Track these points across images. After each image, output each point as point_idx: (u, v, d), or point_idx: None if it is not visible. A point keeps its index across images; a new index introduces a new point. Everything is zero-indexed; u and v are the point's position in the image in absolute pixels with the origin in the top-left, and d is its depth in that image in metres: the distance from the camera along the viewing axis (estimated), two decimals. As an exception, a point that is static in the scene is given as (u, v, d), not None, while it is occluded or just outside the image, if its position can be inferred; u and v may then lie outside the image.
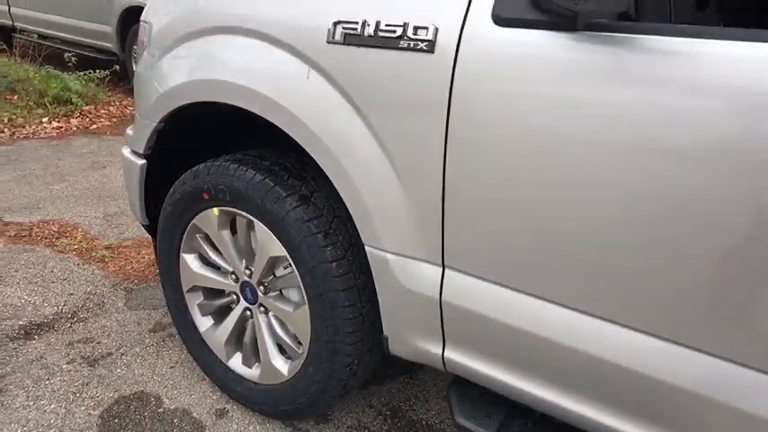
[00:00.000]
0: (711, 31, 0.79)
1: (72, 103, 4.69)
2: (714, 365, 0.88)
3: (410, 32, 1.02)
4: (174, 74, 1.46)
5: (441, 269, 1.13)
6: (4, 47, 6.32)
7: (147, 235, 2.07)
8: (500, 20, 0.94)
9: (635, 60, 0.84)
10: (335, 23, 1.12)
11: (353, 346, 1.32)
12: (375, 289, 1.23)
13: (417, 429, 1.63)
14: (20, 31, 6.65)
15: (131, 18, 5.29)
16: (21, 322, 2.00)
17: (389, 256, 1.17)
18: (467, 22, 0.97)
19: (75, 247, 2.55)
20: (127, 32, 5.39)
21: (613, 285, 0.94)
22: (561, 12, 0.84)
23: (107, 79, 5.13)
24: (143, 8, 5.03)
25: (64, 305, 2.11)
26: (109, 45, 5.59)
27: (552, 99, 0.91)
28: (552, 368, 1.06)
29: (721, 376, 0.87)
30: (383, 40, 1.05)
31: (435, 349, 1.20)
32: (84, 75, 4.90)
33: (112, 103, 5.11)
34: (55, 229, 2.71)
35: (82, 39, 5.83)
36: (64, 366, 1.79)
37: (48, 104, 4.64)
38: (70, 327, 1.99)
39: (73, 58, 5.23)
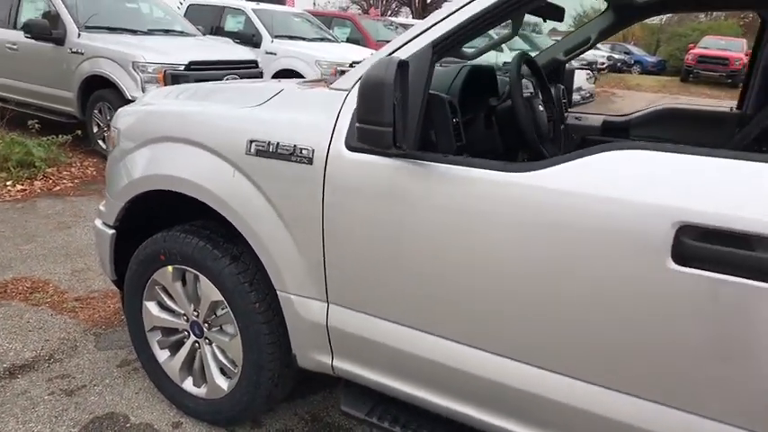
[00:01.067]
0: (459, 160, 1.37)
1: (35, 167, 5.08)
2: (499, 362, 1.43)
3: (297, 151, 1.58)
4: (137, 168, 1.98)
5: (326, 304, 1.66)
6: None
7: (112, 287, 2.52)
8: (349, 146, 1.51)
9: (422, 175, 1.42)
10: (251, 141, 1.67)
11: (273, 363, 1.83)
12: (285, 320, 1.75)
13: (331, 429, 2.12)
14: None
15: (91, 85, 5.79)
16: (5, 365, 2.41)
17: (292, 296, 1.70)
18: (331, 146, 1.54)
19: (48, 300, 2.97)
20: (87, 98, 5.87)
21: (429, 309, 1.49)
22: (379, 147, 1.41)
23: (68, 142, 5.53)
24: (102, 77, 5.51)
25: (42, 349, 2.53)
26: (70, 109, 6.04)
27: (377, 192, 1.47)
28: (404, 369, 1.59)
29: (509, 371, 1.41)
30: (280, 155, 1.61)
31: (327, 360, 1.72)
32: (47, 140, 5.30)
33: (74, 165, 5.51)
34: (28, 286, 3.12)
35: (44, 103, 6.26)
36: (46, 397, 2.21)
37: (11, 168, 5.01)
38: (48, 366, 2.41)
39: (36, 125, 5.63)
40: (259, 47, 7.94)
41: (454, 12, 1.43)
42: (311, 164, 1.57)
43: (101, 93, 5.72)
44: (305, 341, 1.74)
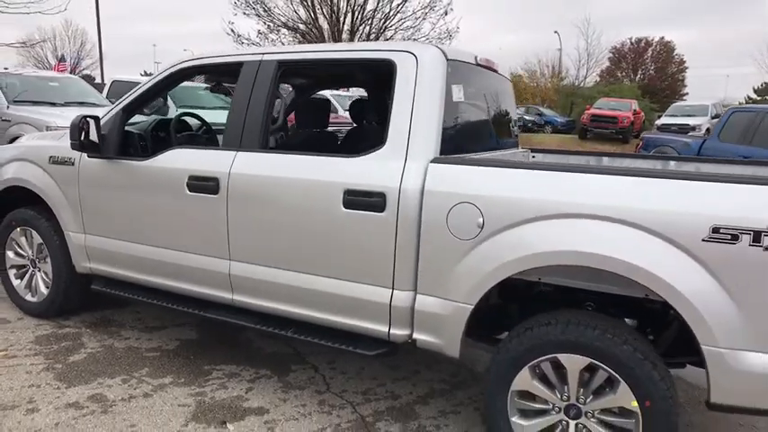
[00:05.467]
0: (126, 157, 3.18)
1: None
2: (158, 250, 3.17)
3: (67, 160, 3.37)
4: (2, 176, 3.72)
5: (84, 234, 3.40)
6: None
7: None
8: (87, 155, 3.30)
9: (111, 164, 3.21)
10: (50, 156, 3.45)
11: (66, 271, 3.54)
12: (68, 245, 3.47)
13: (110, 323, 3.79)
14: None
15: (17, 145, 7.51)
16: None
17: (70, 233, 3.44)
18: (81, 156, 3.32)
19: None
20: (13, 155, 7.57)
21: (124, 228, 3.24)
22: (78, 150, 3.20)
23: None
24: (24, 139, 7.19)
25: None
26: None
27: (94, 175, 3.26)
28: (121, 262, 3.32)
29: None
30: (62, 162, 3.39)
31: (87, 264, 3.44)
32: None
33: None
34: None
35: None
36: (-53, 313, 3.84)
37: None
38: (-48, 302, 4.03)
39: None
40: (167, 114, 9.82)
41: (133, 92, 3.28)
42: (74, 165, 3.35)
43: (23, 150, 7.44)
44: (78, 255, 3.46)
